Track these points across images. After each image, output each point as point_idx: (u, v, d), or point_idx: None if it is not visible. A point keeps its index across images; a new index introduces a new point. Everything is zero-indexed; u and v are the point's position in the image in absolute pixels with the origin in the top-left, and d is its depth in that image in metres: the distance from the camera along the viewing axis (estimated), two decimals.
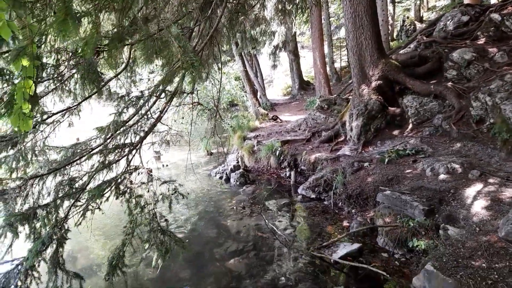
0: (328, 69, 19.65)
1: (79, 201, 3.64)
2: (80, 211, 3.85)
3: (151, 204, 3.15)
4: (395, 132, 8.15)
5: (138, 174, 3.25)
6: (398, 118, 8.44)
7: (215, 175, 10.01)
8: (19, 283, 3.09)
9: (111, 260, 3.08)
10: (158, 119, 3.69)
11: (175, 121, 11.05)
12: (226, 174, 9.63)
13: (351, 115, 8.60)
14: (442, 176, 5.71)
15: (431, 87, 8.17)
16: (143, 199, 3.17)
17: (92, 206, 3.95)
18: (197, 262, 5.43)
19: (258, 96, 18.27)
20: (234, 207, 7.49)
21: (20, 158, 4.51)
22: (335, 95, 14.27)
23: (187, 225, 6.87)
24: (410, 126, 8.07)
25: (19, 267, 3.18)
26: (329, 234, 5.91)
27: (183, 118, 11.51)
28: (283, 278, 4.75)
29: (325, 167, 7.85)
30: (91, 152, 3.59)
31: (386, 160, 6.85)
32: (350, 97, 11.20)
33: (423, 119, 8.01)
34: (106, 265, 5.33)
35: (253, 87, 17.32)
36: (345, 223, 6.16)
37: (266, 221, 6.54)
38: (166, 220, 3.12)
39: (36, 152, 4.71)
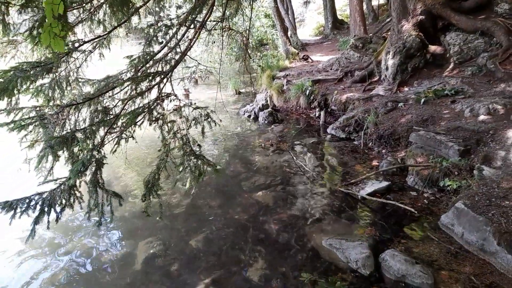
0: (364, 6, 18.41)
1: (114, 128, 3.73)
2: (114, 138, 3.97)
3: (184, 129, 3.19)
4: (434, 72, 7.71)
5: (170, 101, 3.26)
6: (438, 57, 7.93)
7: (244, 114, 10.01)
8: (64, 201, 3.30)
9: (147, 183, 3.21)
10: (189, 47, 3.61)
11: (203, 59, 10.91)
12: (255, 113, 9.61)
13: (387, 53, 8.16)
14: (481, 117, 5.43)
15: (478, 23, 7.52)
16: (176, 124, 3.21)
17: (126, 134, 4.07)
18: (226, 193, 5.62)
19: (289, 35, 17.56)
20: (262, 145, 7.55)
21: (56, 87, 4.62)
22: (371, 34, 13.49)
23: (216, 159, 7.03)
24: (451, 65, 7.59)
25: (62, 186, 3.37)
26: (357, 172, 5.91)
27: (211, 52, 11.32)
28: (309, 211, 4.86)
29: (357, 107, 7.65)
30: (124, 80, 3.60)
31: (423, 100, 6.56)
32: (387, 35, 10.56)
33: (466, 58, 7.48)
34: (142, 187, 5.66)
35: (284, 25, 16.59)
36: (374, 163, 6.11)
37: (294, 158, 6.59)
38: (199, 145, 3.18)
39: (70, 81, 4.81)
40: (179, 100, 3.26)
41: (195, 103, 3.15)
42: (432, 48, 7.99)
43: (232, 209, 5.17)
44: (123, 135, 4.03)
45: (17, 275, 3.95)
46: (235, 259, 4.06)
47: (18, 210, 3.19)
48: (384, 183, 5.17)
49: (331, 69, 11.26)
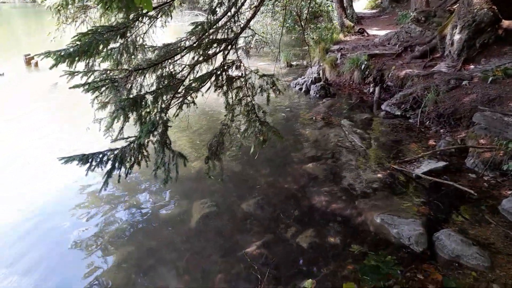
0: None
1: (179, 93, 3.90)
2: (178, 103, 4.17)
3: (249, 96, 3.28)
4: (505, 49, 7.15)
5: (236, 68, 3.35)
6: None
7: (295, 86, 9.95)
8: (133, 158, 3.57)
9: (211, 146, 3.38)
10: (254, 15, 3.64)
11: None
12: (306, 86, 9.52)
13: (453, 28, 7.65)
14: None
15: None
16: (241, 91, 3.31)
17: (188, 100, 4.25)
18: (276, 163, 5.74)
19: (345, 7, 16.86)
20: (313, 117, 7.52)
21: (124, 52, 4.86)
22: (434, 8, 12.63)
23: None
24: None
25: (132, 144, 3.63)
26: (412, 151, 5.77)
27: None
28: (360, 185, 4.86)
29: (416, 83, 7.35)
30: (191, 46, 3.73)
31: (490, 79, 6.16)
32: (454, 8, 9.86)
33: None
34: (198, 151, 5.91)
35: None
36: (430, 142, 5.91)
37: (346, 132, 6.53)
38: (264, 111, 3.27)
39: (137, 46, 5.04)
40: (245, 67, 3.33)
41: (261, 72, 3.21)
42: (506, 23, 7.37)
43: (282, 178, 5.29)
44: (186, 100, 4.22)
45: (88, 226, 4.35)
46: (285, 226, 4.20)
47: (94, 163, 3.50)
48: (441, 163, 5.02)
49: (388, 44, 10.78)
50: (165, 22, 5.59)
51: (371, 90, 8.69)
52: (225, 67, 3.33)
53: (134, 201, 4.81)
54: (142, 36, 5.10)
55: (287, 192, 4.93)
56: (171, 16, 5.85)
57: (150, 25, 5.24)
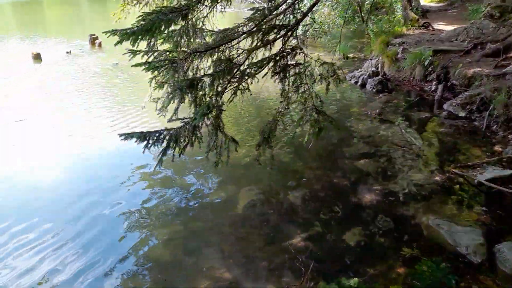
0: None
1: (235, 77, 3.89)
2: (233, 88, 4.16)
3: (307, 84, 3.19)
4: None
5: (295, 55, 3.26)
6: None
7: (350, 79, 9.61)
8: (187, 138, 3.62)
9: (263, 133, 3.34)
10: (316, 2, 3.51)
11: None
12: (363, 79, 9.15)
13: None
14: None
15: None
16: (299, 78, 3.23)
17: (243, 86, 4.23)
18: (326, 156, 5.60)
19: None
20: (368, 113, 7.23)
21: (184, 34, 4.92)
22: None
23: None
24: None
25: (187, 126, 3.69)
26: (474, 155, 5.36)
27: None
28: (415, 187, 4.60)
29: (484, 84, 6.79)
30: (250, 31, 3.68)
31: None
32: None
33: None
34: (248, 137, 5.90)
35: None
36: (497, 148, 5.45)
37: (403, 130, 6.21)
38: (321, 101, 3.16)
39: (197, 29, 5.08)
40: (305, 54, 3.23)
41: (322, 60, 3.10)
42: None
43: (331, 172, 5.15)
44: (241, 86, 4.20)
45: (138, 202, 4.51)
46: (332, 221, 4.09)
47: (150, 141, 3.60)
48: (508, 171, 4.62)
49: (456, 40, 10.05)
50: (224, 8, 5.60)
51: (433, 88, 8.16)
52: (285, 53, 3.25)
53: (183, 182, 4.92)
54: (202, 19, 5.14)
55: (335, 187, 4.79)
56: (230, 1, 5.85)
57: (210, 9, 5.27)
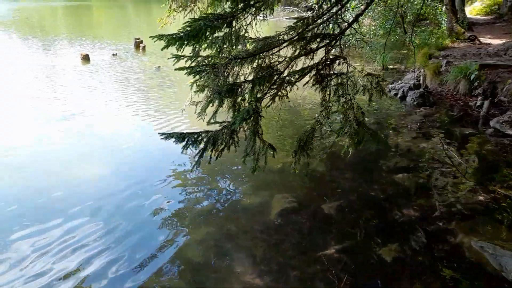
0: None
1: (275, 84, 3.91)
2: (271, 95, 4.19)
3: (349, 94, 3.16)
4: None
5: (338, 64, 3.24)
6: None
7: (390, 91, 9.40)
8: (224, 142, 3.68)
9: (300, 141, 3.33)
10: (362, 12, 3.47)
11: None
12: (403, 91, 8.92)
13: None
14: None
15: None
16: (341, 88, 3.20)
17: (282, 93, 4.24)
18: (363, 167, 5.48)
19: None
20: (408, 126, 7.03)
21: (227, 41, 5.02)
22: None
23: None
24: None
25: (225, 129, 3.74)
26: None
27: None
28: (457, 206, 4.41)
29: None
30: (293, 39, 3.70)
31: None
32: None
33: None
34: (284, 144, 5.89)
35: None
36: None
37: (445, 146, 5.98)
38: (362, 112, 3.12)
39: (239, 36, 5.17)
40: (348, 64, 3.21)
41: (366, 71, 3.06)
42: None
43: (367, 184, 5.04)
44: (279, 93, 4.22)
45: (173, 201, 4.60)
46: (367, 235, 3.98)
47: (189, 142, 3.69)
48: None
49: (505, 54, 9.61)
50: (266, 16, 5.66)
51: (478, 104, 7.82)
52: (327, 62, 3.24)
53: (217, 185, 4.99)
54: (245, 27, 5.23)
55: (371, 200, 4.68)
56: (273, 10, 5.91)
57: (254, 16, 5.35)
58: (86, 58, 12.08)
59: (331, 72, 3.26)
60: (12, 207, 4.29)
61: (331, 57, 3.31)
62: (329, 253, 3.69)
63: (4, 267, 3.41)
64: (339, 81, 3.24)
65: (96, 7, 40.53)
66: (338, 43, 3.52)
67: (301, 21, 4.31)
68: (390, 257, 3.60)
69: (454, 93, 8.76)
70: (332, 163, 5.51)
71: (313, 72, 3.29)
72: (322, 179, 5.20)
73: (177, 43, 3.77)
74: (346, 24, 3.64)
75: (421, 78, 9.48)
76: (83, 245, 3.74)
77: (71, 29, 22.22)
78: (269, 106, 4.21)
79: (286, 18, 24.65)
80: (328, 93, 3.29)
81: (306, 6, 25.32)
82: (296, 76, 3.29)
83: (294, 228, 4.13)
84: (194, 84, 4.99)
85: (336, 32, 3.60)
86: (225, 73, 4.57)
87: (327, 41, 3.61)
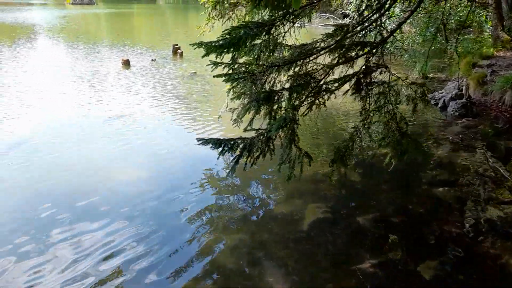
0: None
1: (312, 92, 3.88)
2: (308, 103, 4.15)
3: (392, 104, 3.07)
4: None
5: (381, 73, 3.16)
6: None
7: (429, 101, 9.07)
8: (260, 149, 3.68)
9: (338, 150, 3.27)
10: (408, 17, 3.38)
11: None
12: (444, 101, 8.59)
13: None
14: None
15: None
16: (383, 97, 3.12)
17: (319, 101, 4.19)
18: (400, 179, 5.31)
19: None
20: (449, 137, 6.74)
21: (264, 48, 5.04)
22: None
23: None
24: None
25: (261, 136, 3.74)
26: None
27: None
28: (502, 223, 4.16)
29: None
30: (332, 47, 3.66)
31: None
32: None
33: None
34: (319, 153, 5.81)
35: (500, 6, 13.96)
36: None
37: (489, 159, 5.68)
38: (406, 123, 3.02)
39: (277, 44, 5.17)
40: (390, 72, 3.12)
41: (410, 80, 2.97)
42: None
43: (405, 198, 4.88)
44: (316, 101, 4.17)
45: (205, 207, 4.62)
46: (405, 250, 3.84)
47: (225, 148, 3.72)
48: None
49: None
50: (304, 23, 5.65)
51: None
52: (369, 71, 3.17)
53: (250, 192, 4.98)
54: (283, 34, 5.24)
55: (409, 213, 4.52)
56: (310, 17, 5.88)
57: (292, 24, 5.35)
58: (126, 64, 12.53)
59: (372, 80, 3.18)
60: (54, 209, 4.41)
61: (372, 65, 3.24)
62: (364, 266, 3.59)
63: (42, 270, 3.49)
64: (381, 90, 3.15)
65: (137, 14, 42.11)
66: (379, 51, 3.43)
67: (340, 28, 4.27)
68: (429, 274, 3.45)
69: (500, 104, 8.33)
70: (369, 174, 5.38)
71: (353, 80, 3.22)
72: (358, 190, 5.08)
73: (218, 50, 3.82)
74: (386, 31, 3.55)
75: (464, 87, 9.08)
76: (119, 251, 3.78)
77: (112, 35, 23.18)
78: (306, 114, 4.18)
79: (321, 25, 24.49)
80: (368, 102, 3.21)
81: (342, 12, 25.08)
82: (336, 85, 3.24)
83: (328, 239, 4.05)
84: (231, 91, 5.04)
85: (377, 39, 3.52)
86: (262, 80, 4.60)
87: (368, 49, 3.54)
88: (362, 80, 3.21)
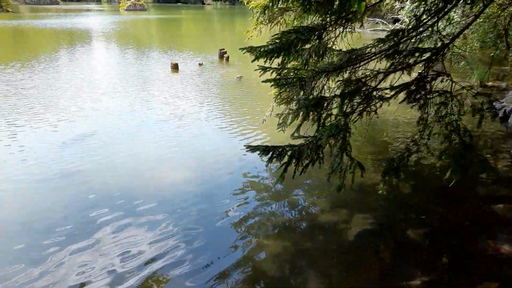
0: None
1: (365, 99, 3.75)
2: (360, 110, 4.02)
3: (454, 115, 2.89)
4: None
5: (441, 81, 2.98)
6: None
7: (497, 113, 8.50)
8: (309, 157, 3.60)
9: (392, 162, 3.13)
10: (472, 21, 3.17)
11: None
12: (505, 112, 8.00)
13: None
14: None
15: None
16: (444, 108, 2.94)
17: (370, 108, 4.04)
18: (453, 193, 4.98)
19: None
20: (510, 151, 6.27)
21: (313, 53, 4.96)
22: None
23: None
24: None
25: (310, 144, 3.67)
26: None
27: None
28: None
29: None
30: (386, 53, 3.51)
31: None
32: None
33: None
34: (374, 161, 5.60)
35: None
36: None
37: None
38: (470, 135, 2.82)
39: (327, 48, 5.08)
40: (453, 81, 2.94)
41: (475, 91, 2.78)
42: None
43: (460, 214, 4.59)
44: (368, 109, 4.03)
45: (249, 213, 4.61)
46: (459, 268, 3.60)
47: (274, 155, 3.68)
48: None
49: None
50: (353, 28, 5.50)
51: None
52: (428, 79, 3.00)
53: (295, 199, 4.90)
54: (333, 39, 5.13)
55: (463, 232, 4.24)
56: (362, 21, 5.72)
57: (343, 29, 5.23)
58: (175, 67, 12.91)
59: (432, 89, 3.01)
60: (103, 209, 4.55)
61: (431, 73, 3.06)
62: (414, 284, 3.40)
63: (89, 270, 3.60)
64: (443, 99, 2.97)
65: (185, 19, 43.48)
66: (439, 57, 3.24)
67: (395, 33, 4.09)
68: None
69: None
70: (422, 187, 5.11)
71: (411, 88, 3.07)
72: (407, 203, 4.84)
73: (268, 55, 3.81)
74: (447, 37, 3.35)
75: None
76: (159, 254, 3.79)
77: (162, 40, 24.06)
78: (356, 121, 4.06)
79: (370, 30, 23.89)
80: (426, 112, 3.04)
81: (392, 17, 24.31)
82: (392, 92, 3.10)
83: (375, 252, 3.90)
84: (278, 96, 5.00)
85: (437, 45, 3.34)
86: (311, 86, 4.52)
87: (427, 55, 3.36)
88: (420, 89, 3.05)
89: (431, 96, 3.00)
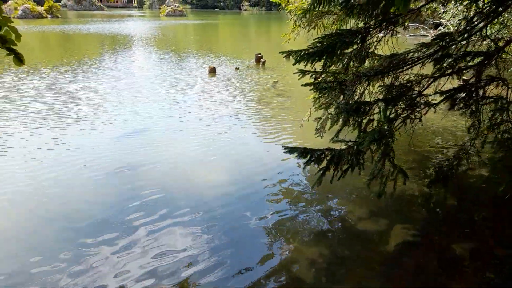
0: None
1: (410, 105, 3.61)
2: (403, 116, 3.87)
3: (510, 122, 2.71)
4: None
5: (496, 87, 2.81)
6: None
7: None
8: (349, 162, 3.51)
9: (440, 171, 2.98)
10: None
11: None
12: None
13: None
14: None
15: None
16: (499, 114, 2.77)
17: (415, 115, 3.89)
18: (504, 205, 4.68)
19: None
20: None
21: (354, 57, 4.85)
22: None
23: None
24: None
25: (350, 149, 3.57)
26: None
27: None
28: None
29: None
30: (436, 57, 3.37)
31: None
32: None
33: None
34: (415, 169, 5.38)
35: None
36: None
37: None
38: None
39: (368, 52, 4.95)
40: (509, 87, 2.76)
41: None
42: None
43: (509, 227, 4.29)
44: (412, 116, 3.88)
45: (284, 218, 4.57)
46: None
47: (312, 158, 3.62)
48: None
49: None
50: (396, 32, 5.34)
51: None
52: (481, 84, 2.84)
53: (332, 206, 4.79)
54: (375, 43, 5.00)
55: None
56: (405, 25, 5.54)
57: (386, 32, 5.08)
58: (213, 71, 13.11)
59: (486, 95, 2.84)
60: (137, 213, 4.62)
61: (485, 78, 2.89)
62: None
63: (116, 267, 3.70)
64: (498, 106, 2.80)
65: (222, 24, 44.20)
66: (492, 62, 3.06)
67: (441, 37, 3.92)
68: None
69: None
70: (469, 198, 4.83)
71: (463, 94, 2.91)
72: (452, 214, 4.59)
73: (310, 59, 3.76)
74: (503, 40, 3.16)
75: None
76: (191, 260, 3.80)
77: (199, 44, 24.55)
78: (399, 128, 3.93)
79: (410, 36, 23.21)
80: (478, 119, 2.87)
81: (433, 22, 23.49)
82: (441, 98, 2.96)
83: (416, 264, 3.73)
84: (317, 101, 4.93)
85: (491, 49, 3.16)
86: (352, 90, 4.42)
87: (479, 60, 3.18)
88: (473, 95, 2.89)
89: (485, 102, 2.83)
